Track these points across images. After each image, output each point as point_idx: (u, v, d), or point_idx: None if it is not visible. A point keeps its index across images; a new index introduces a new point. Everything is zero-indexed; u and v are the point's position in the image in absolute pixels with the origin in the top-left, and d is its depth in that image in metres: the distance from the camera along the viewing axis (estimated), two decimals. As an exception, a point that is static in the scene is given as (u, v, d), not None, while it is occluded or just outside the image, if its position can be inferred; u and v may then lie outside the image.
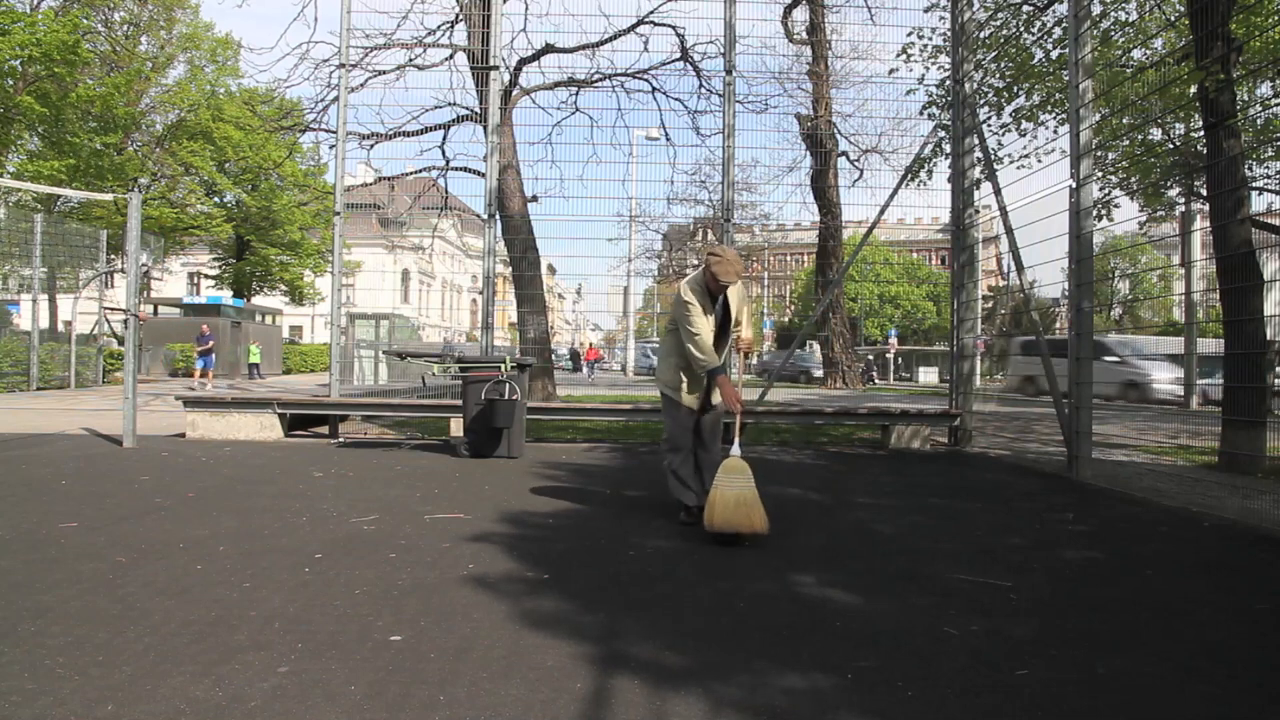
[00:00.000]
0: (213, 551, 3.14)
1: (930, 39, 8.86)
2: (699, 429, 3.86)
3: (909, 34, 8.89)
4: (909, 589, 2.85)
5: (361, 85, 9.09)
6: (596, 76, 9.56)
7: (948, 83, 8.30)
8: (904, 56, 8.97)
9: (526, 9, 9.69)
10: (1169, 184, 11.62)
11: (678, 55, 9.51)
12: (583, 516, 4.06)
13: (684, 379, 3.80)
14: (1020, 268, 6.97)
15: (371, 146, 9.55)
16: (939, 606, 2.64)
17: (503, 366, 6.27)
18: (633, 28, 9.47)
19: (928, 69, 9.00)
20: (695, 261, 32.30)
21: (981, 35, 8.36)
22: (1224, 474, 5.74)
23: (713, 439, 3.90)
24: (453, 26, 9.72)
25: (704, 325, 3.63)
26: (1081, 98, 5.72)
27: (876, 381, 29.59)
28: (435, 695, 1.88)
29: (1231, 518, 4.32)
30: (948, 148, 8.37)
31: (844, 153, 10.66)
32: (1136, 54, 9.36)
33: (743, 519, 3.35)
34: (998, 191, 7.23)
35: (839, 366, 18.18)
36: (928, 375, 35.73)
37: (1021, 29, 8.48)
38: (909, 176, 8.57)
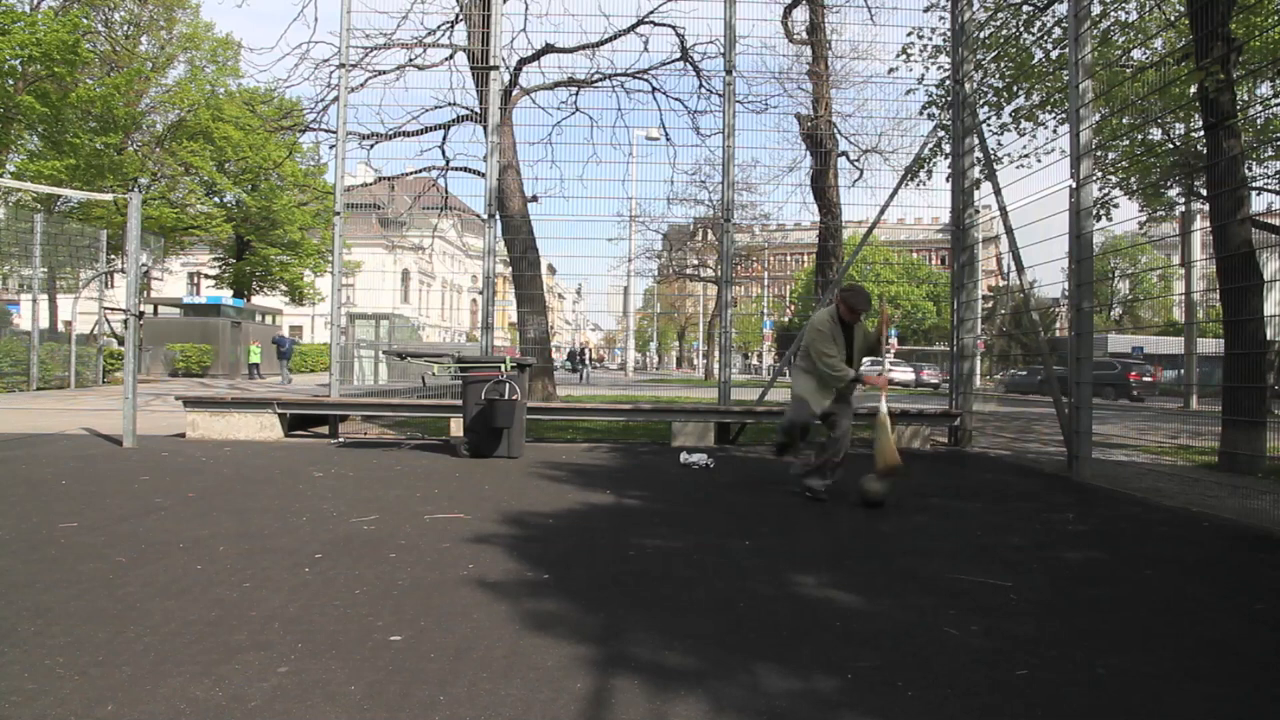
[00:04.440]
0: (213, 551, 3.14)
1: (930, 39, 8.86)
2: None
3: (909, 34, 8.88)
4: (909, 589, 2.85)
5: (361, 85, 9.10)
6: (596, 76, 9.57)
7: (948, 83, 8.30)
8: (904, 56, 8.97)
9: (526, 9, 9.70)
10: (1169, 184, 11.62)
11: (678, 55, 9.52)
12: (583, 516, 4.06)
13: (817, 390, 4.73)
14: (1020, 268, 6.98)
15: (371, 146, 9.56)
16: (939, 606, 2.64)
17: (503, 366, 6.27)
18: (633, 28, 9.48)
19: (928, 69, 8.99)
20: (695, 261, 32.30)
21: (981, 35, 8.37)
22: (1224, 474, 5.74)
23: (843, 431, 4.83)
24: (453, 26, 9.73)
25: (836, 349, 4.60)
26: (1081, 98, 5.72)
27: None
28: (435, 695, 1.88)
29: (1231, 518, 4.32)
30: (948, 148, 8.37)
31: (844, 153, 10.65)
32: (1136, 54, 9.36)
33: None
34: (998, 191, 7.23)
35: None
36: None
37: (1021, 29, 8.47)
38: (909, 176, 8.57)
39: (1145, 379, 13.77)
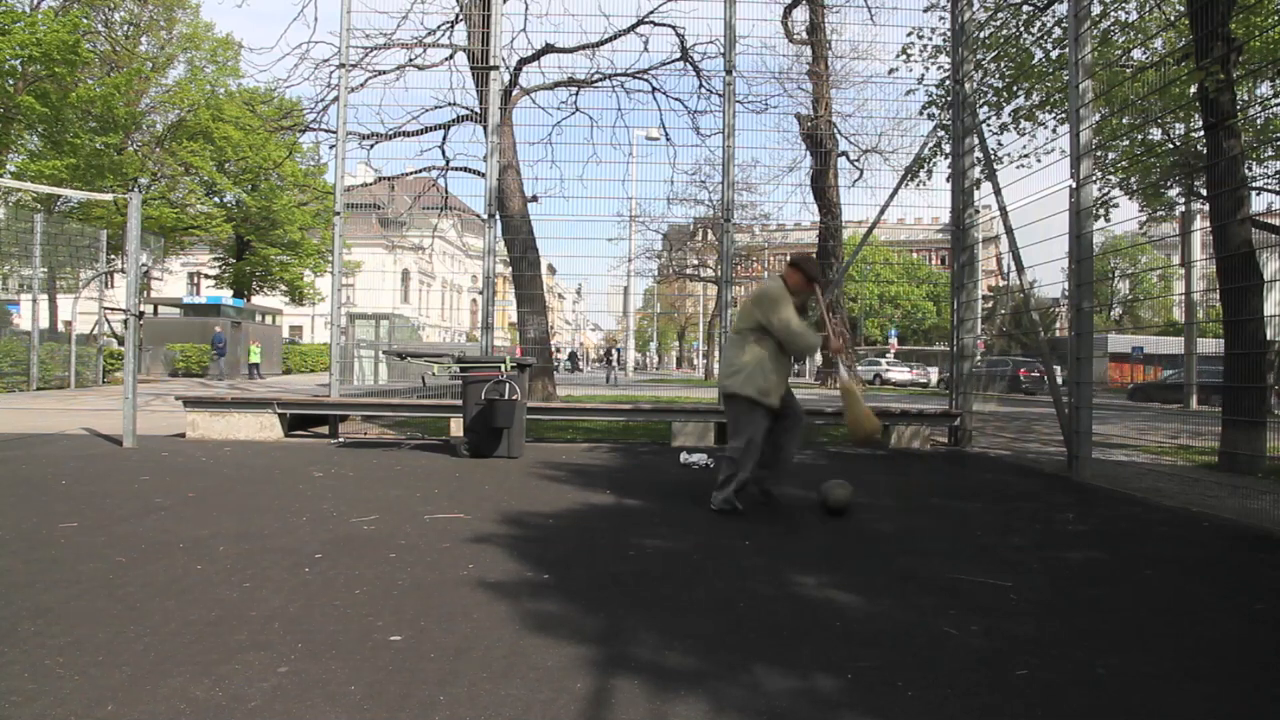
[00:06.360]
0: (213, 551, 3.14)
1: (930, 39, 8.87)
2: (774, 430, 4.22)
3: (909, 34, 8.90)
4: (909, 589, 2.85)
5: (361, 85, 9.10)
6: (596, 76, 9.57)
7: (948, 83, 8.30)
8: (904, 56, 8.98)
9: (526, 9, 9.71)
10: (1169, 184, 11.63)
11: (678, 55, 9.53)
12: (583, 516, 4.06)
13: (774, 382, 4.11)
14: (1020, 268, 6.97)
15: (371, 146, 9.56)
16: (939, 606, 2.64)
17: (503, 366, 6.27)
18: (633, 28, 9.49)
19: (928, 69, 9.01)
20: (695, 261, 32.31)
21: (981, 35, 8.36)
22: (1224, 474, 5.74)
23: (793, 440, 4.35)
24: (453, 26, 9.73)
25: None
26: (1081, 98, 5.72)
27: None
28: (435, 695, 1.88)
29: (1231, 518, 4.32)
30: (948, 148, 8.37)
31: (844, 153, 10.67)
32: (1136, 54, 9.37)
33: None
34: (998, 191, 7.22)
35: (838, 367, 18.35)
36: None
37: (1021, 29, 8.48)
38: (909, 176, 8.57)
39: (1033, 374, 16.32)
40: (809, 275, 4.14)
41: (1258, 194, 10.51)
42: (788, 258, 4.26)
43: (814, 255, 4.36)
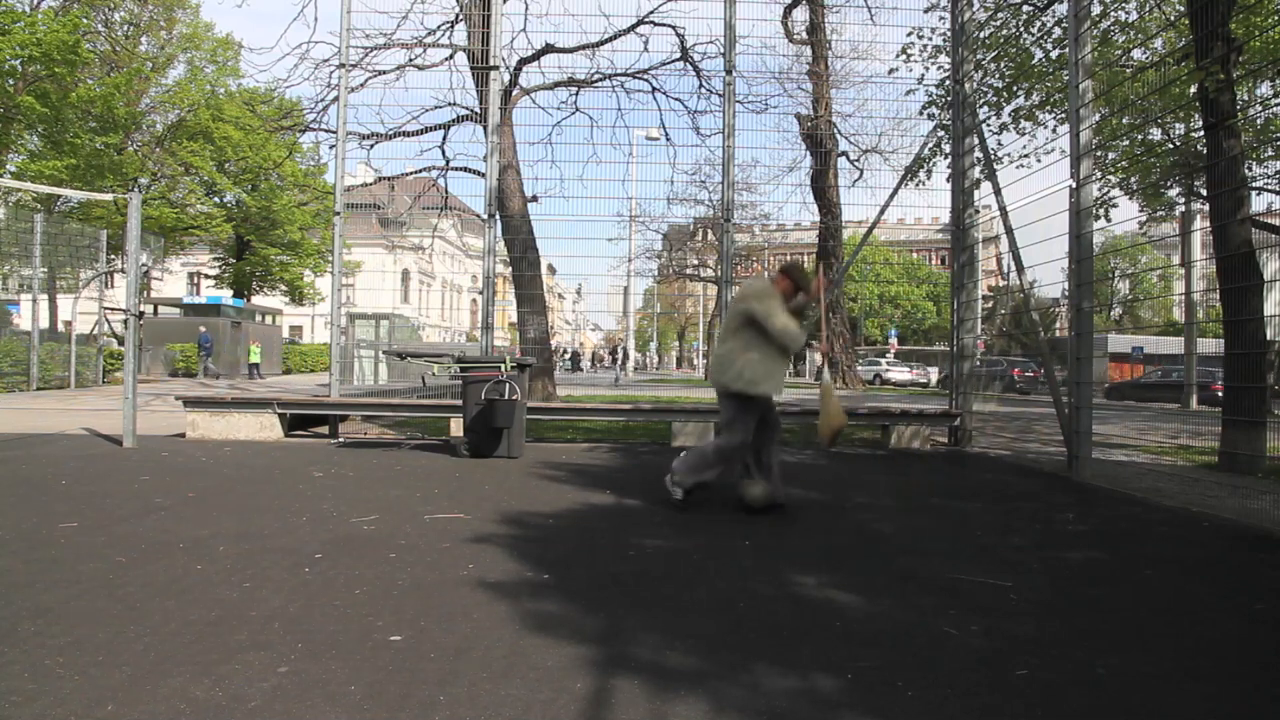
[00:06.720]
0: (213, 551, 3.14)
1: (930, 39, 8.87)
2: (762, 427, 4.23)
3: (909, 34, 8.90)
4: (909, 589, 2.85)
5: (361, 85, 9.10)
6: (596, 76, 9.57)
7: (948, 83, 8.30)
8: (904, 56, 8.98)
9: (526, 9, 9.71)
10: (1169, 184, 11.63)
11: (678, 55, 9.52)
12: (583, 516, 4.06)
13: (766, 372, 4.11)
14: (1020, 268, 6.97)
15: (371, 146, 9.56)
16: (939, 606, 2.64)
17: (503, 366, 6.27)
18: (633, 28, 9.48)
19: (928, 69, 9.01)
20: (695, 261, 32.34)
21: (981, 35, 8.37)
22: (1224, 474, 5.74)
23: (772, 448, 4.29)
24: (453, 26, 9.73)
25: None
26: (1081, 98, 5.72)
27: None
28: (435, 695, 1.88)
29: (1231, 518, 4.32)
30: (948, 148, 8.37)
31: (844, 153, 10.68)
32: (1136, 54, 9.37)
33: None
34: (998, 191, 7.22)
35: (838, 367, 18.43)
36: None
37: (1021, 29, 8.48)
38: (909, 176, 8.57)
39: (1027, 374, 17.18)
40: (796, 283, 4.21)
41: (1258, 194, 10.54)
42: (786, 257, 4.31)
43: (802, 262, 4.34)
